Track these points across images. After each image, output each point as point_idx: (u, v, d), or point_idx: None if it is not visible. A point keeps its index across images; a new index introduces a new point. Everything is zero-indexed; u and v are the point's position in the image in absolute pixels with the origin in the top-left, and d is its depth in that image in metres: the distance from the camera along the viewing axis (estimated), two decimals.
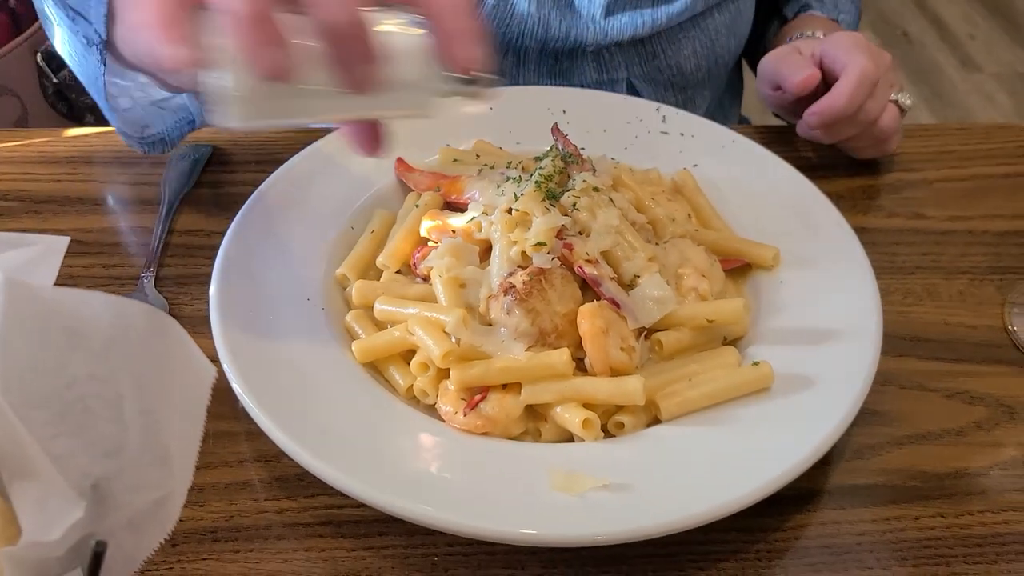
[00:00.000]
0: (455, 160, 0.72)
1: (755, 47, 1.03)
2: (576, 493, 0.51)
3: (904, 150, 0.83)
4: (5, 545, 0.36)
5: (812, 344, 0.59)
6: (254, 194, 0.68)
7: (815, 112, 0.75)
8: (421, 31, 0.46)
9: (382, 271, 0.65)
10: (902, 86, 0.79)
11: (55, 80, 1.05)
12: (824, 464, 0.58)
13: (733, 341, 0.61)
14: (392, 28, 0.46)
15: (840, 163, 0.81)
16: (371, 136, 0.52)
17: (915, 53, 2.92)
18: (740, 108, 1.06)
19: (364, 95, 0.45)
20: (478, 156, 0.72)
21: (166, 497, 0.38)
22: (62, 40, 0.67)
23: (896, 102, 0.77)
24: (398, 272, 0.65)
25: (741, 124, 1.04)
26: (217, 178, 0.78)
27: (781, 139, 0.82)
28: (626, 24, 0.84)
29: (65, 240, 0.38)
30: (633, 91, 0.88)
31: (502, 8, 0.82)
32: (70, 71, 1.07)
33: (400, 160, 0.72)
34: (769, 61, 0.80)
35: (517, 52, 0.84)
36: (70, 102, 1.06)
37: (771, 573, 0.53)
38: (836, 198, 0.76)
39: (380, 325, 0.61)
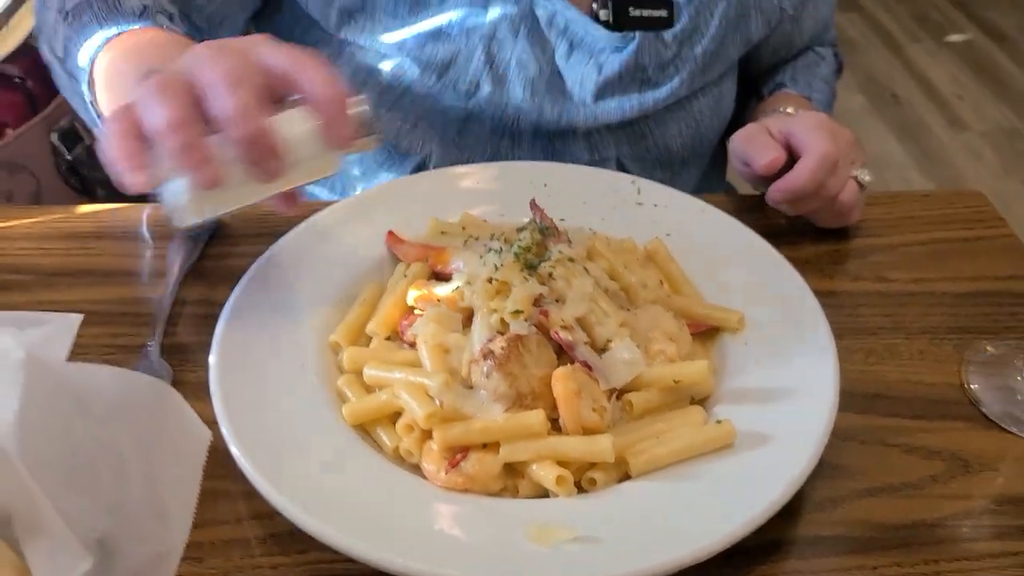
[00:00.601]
0: (442, 232, 0.77)
1: (735, 123, 1.09)
2: (549, 545, 0.55)
3: (869, 216, 0.88)
4: None
5: (773, 403, 0.64)
6: (252, 267, 0.72)
7: (779, 189, 0.80)
8: (309, 121, 0.59)
9: (371, 338, 0.69)
10: (863, 162, 0.84)
11: (68, 157, 1.11)
12: (788, 516, 0.62)
13: (700, 401, 0.65)
14: (288, 123, 0.59)
15: (808, 229, 0.85)
16: (288, 198, 0.66)
17: (904, 113, 3.00)
18: (725, 176, 1.11)
19: (277, 180, 0.59)
20: (464, 228, 0.77)
21: (166, 552, 0.42)
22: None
23: (856, 178, 0.82)
24: (387, 339, 0.69)
25: (727, 192, 1.10)
26: (221, 251, 0.82)
27: (756, 207, 0.87)
28: (615, 108, 0.89)
29: (78, 317, 0.42)
30: (623, 169, 0.94)
31: (498, 95, 0.88)
32: (83, 149, 1.14)
33: (391, 233, 0.76)
34: (738, 140, 0.85)
35: (512, 134, 0.90)
36: (83, 177, 1.12)
37: None
38: (803, 263, 0.81)
39: (370, 389, 0.65)
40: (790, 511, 0.62)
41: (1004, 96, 3.01)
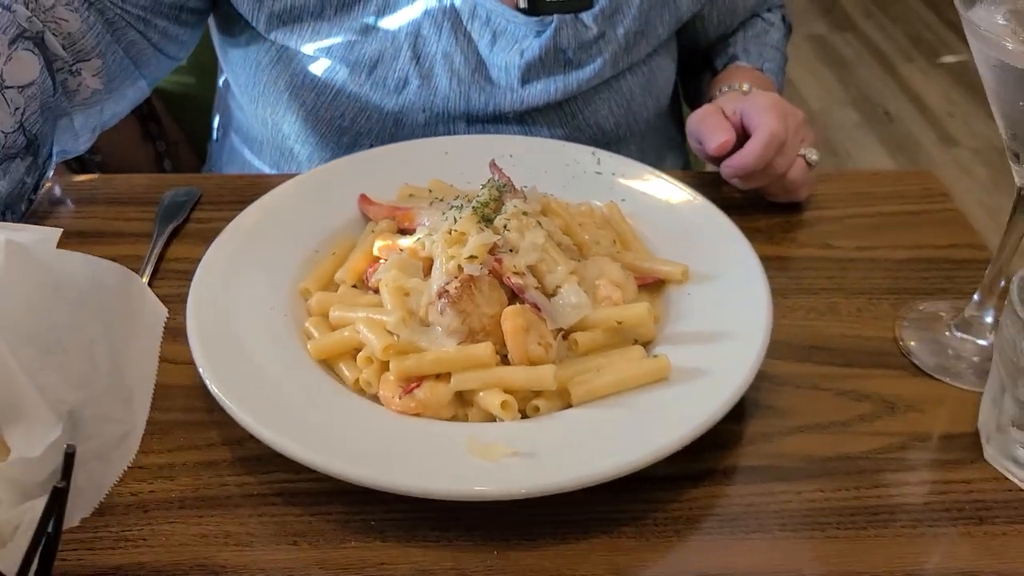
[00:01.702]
0: (411, 195, 0.82)
1: (694, 97, 1.14)
2: (491, 459, 0.60)
3: (820, 191, 0.92)
4: None
5: (709, 344, 0.68)
6: (228, 226, 0.77)
7: (729, 166, 0.85)
8: None
9: (339, 286, 0.74)
10: (812, 141, 0.89)
11: None
12: (723, 448, 0.67)
13: (644, 345, 0.70)
14: None
15: (761, 203, 0.90)
16: None
17: (895, 129, 3.05)
18: (685, 157, 1.15)
19: None
20: (431, 191, 0.82)
21: (129, 431, 0.46)
22: None
23: (803, 157, 0.87)
24: (353, 287, 0.74)
25: (686, 168, 1.14)
26: (204, 215, 0.88)
27: (714, 182, 0.91)
28: (541, 91, 0.94)
29: (58, 231, 0.47)
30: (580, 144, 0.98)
31: (425, 88, 0.93)
32: None
33: (363, 196, 0.82)
34: (694, 121, 0.89)
35: (446, 121, 0.95)
36: (81, 159, 1.17)
37: (666, 535, 0.61)
38: (755, 231, 0.86)
39: (335, 330, 0.70)
40: (724, 444, 0.67)
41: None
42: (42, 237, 0.47)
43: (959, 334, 0.75)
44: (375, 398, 0.66)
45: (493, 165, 0.80)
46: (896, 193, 0.93)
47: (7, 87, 0.77)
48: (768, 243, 0.85)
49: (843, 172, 0.97)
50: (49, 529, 0.44)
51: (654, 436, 0.61)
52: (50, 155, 0.84)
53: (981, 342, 0.74)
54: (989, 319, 0.74)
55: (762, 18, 1.09)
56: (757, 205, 0.90)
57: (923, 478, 0.65)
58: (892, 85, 3.27)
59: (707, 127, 0.87)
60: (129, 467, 0.61)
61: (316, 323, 0.71)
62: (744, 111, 0.87)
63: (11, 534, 0.45)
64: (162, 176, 1.01)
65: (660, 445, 0.60)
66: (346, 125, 0.96)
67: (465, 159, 0.86)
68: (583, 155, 0.87)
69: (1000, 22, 0.63)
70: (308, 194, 0.82)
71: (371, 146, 0.96)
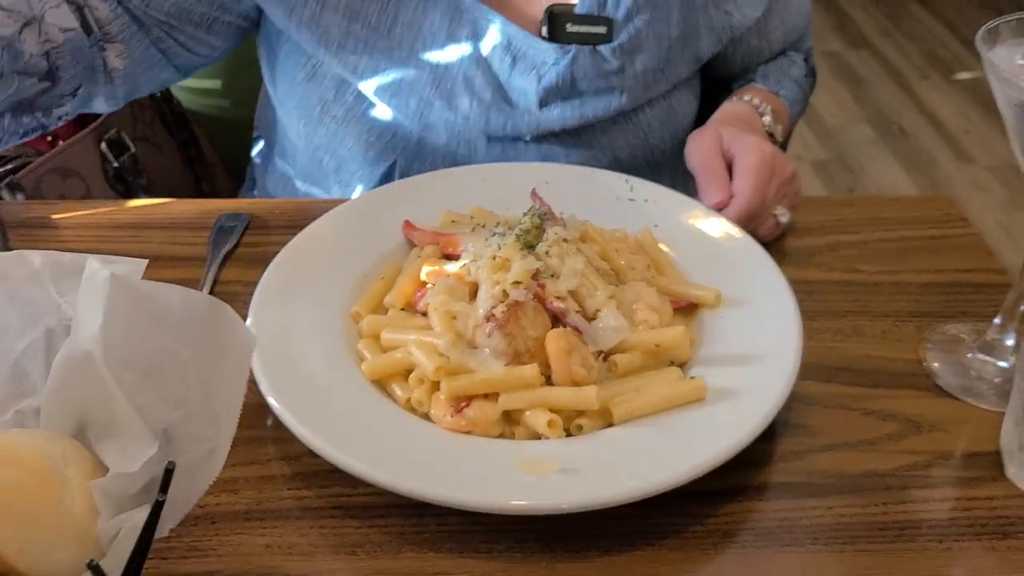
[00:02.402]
0: (453, 221, 0.86)
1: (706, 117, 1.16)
2: (541, 474, 0.63)
3: (843, 217, 0.96)
4: None
5: (742, 366, 0.72)
6: (280, 253, 0.81)
7: (711, 207, 0.88)
8: None
9: (388, 309, 0.78)
10: (793, 197, 0.92)
11: (115, 165, 1.21)
12: (755, 466, 0.70)
13: (680, 366, 0.74)
14: None
15: (787, 228, 0.94)
16: None
17: (910, 146, 3.08)
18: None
19: None
20: (472, 218, 0.86)
21: (215, 448, 0.50)
22: None
23: (775, 216, 0.90)
24: (402, 310, 0.78)
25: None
26: (255, 240, 0.92)
27: None
28: (556, 116, 0.97)
29: (144, 261, 0.51)
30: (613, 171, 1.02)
31: (447, 109, 0.97)
32: (129, 157, 1.24)
33: (407, 222, 0.86)
34: (692, 155, 0.91)
35: (467, 142, 0.99)
36: (127, 184, 1.22)
37: (704, 547, 0.64)
38: (781, 254, 0.90)
39: (385, 351, 0.74)
40: (757, 462, 0.70)
41: None
42: (133, 268, 0.51)
43: (981, 356, 0.78)
44: (426, 416, 0.70)
45: (535, 194, 0.83)
46: (917, 218, 0.96)
47: (47, 22, 0.86)
48: (794, 267, 0.89)
49: (865, 198, 1.00)
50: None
51: (693, 454, 0.64)
52: (73, 95, 0.93)
53: (1002, 364, 0.78)
54: (1010, 342, 0.77)
55: (787, 56, 1.13)
56: (785, 230, 0.94)
57: (948, 495, 0.68)
58: (907, 102, 3.30)
59: (705, 176, 0.89)
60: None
61: (368, 345, 0.75)
62: (732, 161, 0.89)
63: (109, 543, 0.49)
64: (211, 201, 1.05)
65: (699, 462, 0.63)
66: (372, 140, 1.01)
67: (503, 186, 0.90)
68: (616, 182, 0.91)
69: (1020, 62, 0.66)
70: (354, 221, 0.86)
71: (396, 161, 1.00)
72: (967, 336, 0.81)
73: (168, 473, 0.45)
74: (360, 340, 0.76)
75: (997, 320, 0.78)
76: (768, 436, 0.71)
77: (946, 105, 3.27)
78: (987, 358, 0.78)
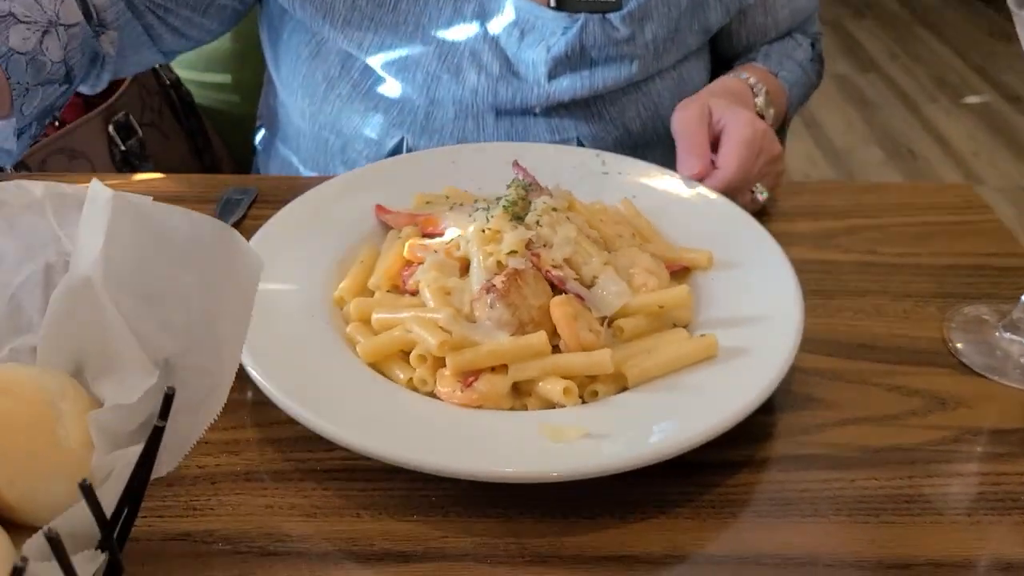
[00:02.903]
0: (428, 203, 0.83)
1: None
2: (564, 441, 0.61)
3: (863, 202, 0.94)
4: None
5: (747, 324, 0.70)
6: (257, 233, 0.78)
7: (688, 177, 0.87)
8: None
9: (374, 292, 0.75)
10: (775, 179, 0.91)
11: (123, 148, 1.20)
12: (775, 437, 0.68)
13: (681, 327, 0.72)
14: None
15: (802, 210, 0.92)
16: None
17: (920, 167, 3.07)
18: None
19: None
20: (448, 198, 0.84)
21: (216, 384, 0.48)
22: None
23: (753, 192, 0.89)
24: (388, 292, 0.75)
25: None
26: (263, 213, 0.90)
27: None
28: (567, 87, 0.96)
29: (149, 198, 0.49)
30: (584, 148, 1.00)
31: (454, 83, 0.96)
32: (136, 141, 1.23)
33: (379, 205, 0.83)
34: (678, 122, 0.89)
35: (475, 117, 0.97)
36: (134, 168, 1.21)
37: (722, 516, 0.62)
38: (800, 236, 0.88)
39: (377, 334, 0.70)
40: (777, 434, 0.68)
41: (1020, 155, 3.07)
42: (145, 200, 0.49)
43: (1007, 335, 0.76)
44: (430, 396, 0.67)
45: (517, 165, 0.82)
46: (938, 204, 0.94)
47: (60, 24, 0.85)
48: (812, 248, 0.87)
49: (884, 185, 0.98)
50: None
51: (720, 406, 0.62)
52: (81, 82, 0.93)
53: None
54: None
55: (793, 38, 1.12)
56: (800, 212, 0.92)
57: (976, 469, 0.66)
58: (916, 125, 3.30)
59: (685, 144, 0.88)
60: (198, 440, 0.63)
61: (358, 328, 0.71)
62: (722, 132, 0.88)
63: (103, 480, 0.46)
64: (219, 176, 1.04)
65: (731, 412, 0.61)
66: (379, 117, 0.99)
67: (473, 167, 0.88)
68: (588, 158, 0.90)
69: None
70: (322, 209, 0.83)
71: (403, 138, 0.99)
72: (990, 316, 0.79)
73: (168, 399, 0.43)
74: (349, 325, 0.72)
75: (1023, 299, 0.76)
76: (789, 408, 0.69)
77: (955, 128, 3.27)
78: (1014, 337, 0.76)
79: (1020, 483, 0.65)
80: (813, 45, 1.13)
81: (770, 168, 0.90)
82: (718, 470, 0.64)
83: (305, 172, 1.08)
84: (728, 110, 0.89)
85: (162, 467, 0.48)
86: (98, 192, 0.45)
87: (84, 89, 0.99)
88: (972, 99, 3.45)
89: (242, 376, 0.64)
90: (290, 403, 0.63)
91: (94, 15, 0.91)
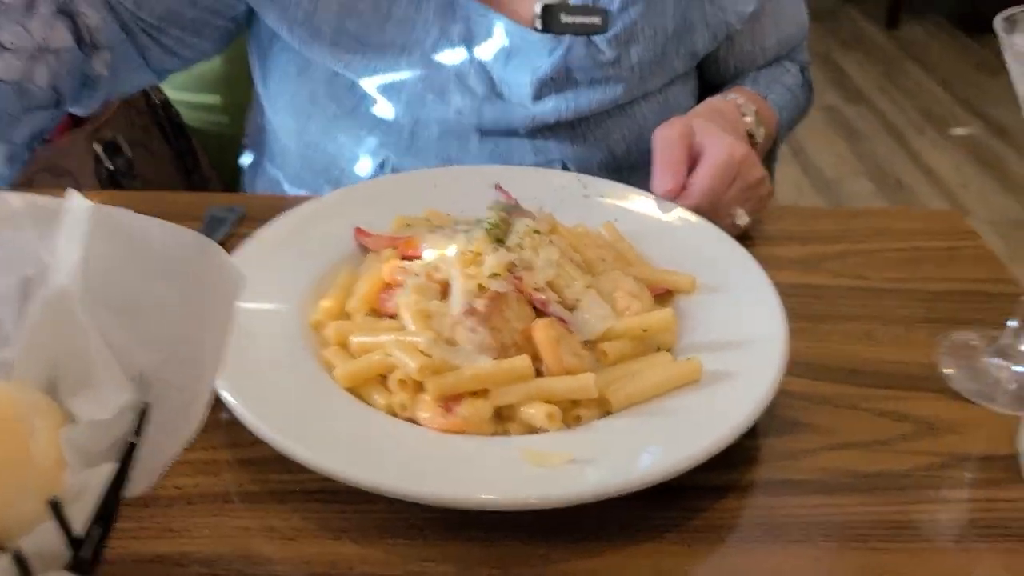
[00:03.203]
0: (408, 225, 0.82)
1: None
2: (548, 466, 0.60)
3: (851, 227, 0.94)
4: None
5: (731, 348, 0.69)
6: (233, 254, 0.75)
7: (656, 192, 0.86)
8: None
9: (351, 316, 0.73)
10: (758, 203, 0.89)
11: (110, 167, 1.19)
12: (761, 462, 0.67)
13: (665, 351, 0.71)
14: None
15: (791, 234, 0.92)
16: None
17: (908, 198, 3.08)
18: None
19: None
20: (428, 220, 0.83)
21: (194, 400, 0.47)
22: None
23: (732, 216, 0.87)
24: (367, 315, 0.73)
25: None
26: (247, 232, 0.89)
27: None
28: (551, 108, 0.96)
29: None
30: (567, 171, 0.99)
31: (439, 103, 0.96)
32: (124, 160, 1.22)
33: (359, 228, 0.82)
34: (658, 139, 0.88)
35: (460, 137, 0.97)
36: (121, 187, 1.20)
37: (710, 542, 0.61)
38: (788, 261, 0.88)
39: (356, 358, 0.69)
40: (765, 459, 0.67)
41: (1009, 188, 3.09)
42: (126, 212, 0.49)
43: (996, 361, 0.76)
44: (410, 421, 0.65)
45: (499, 188, 0.82)
46: (927, 230, 0.94)
47: (48, 50, 0.85)
48: (800, 272, 0.87)
49: (873, 210, 0.98)
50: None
51: (705, 431, 0.61)
52: (73, 104, 0.93)
53: (1018, 369, 0.75)
54: None
55: (781, 64, 1.12)
56: (789, 237, 0.92)
57: (967, 496, 0.65)
58: (904, 156, 3.32)
59: (660, 161, 0.87)
60: (174, 461, 0.61)
61: (336, 352, 0.70)
62: (700, 154, 0.87)
63: (75, 498, 0.45)
64: (206, 194, 1.03)
65: (715, 438, 0.60)
66: (364, 135, 0.99)
67: (453, 189, 0.87)
68: (569, 180, 0.90)
69: None
70: (300, 230, 0.82)
71: (387, 157, 0.98)
72: (980, 342, 0.78)
73: (142, 414, 0.42)
74: (326, 348, 0.71)
75: (1013, 323, 0.75)
76: (777, 433, 0.69)
77: (943, 160, 3.29)
78: (1003, 362, 0.75)
79: (1011, 510, 0.64)
80: (802, 71, 1.13)
81: (750, 193, 0.89)
82: (705, 494, 0.63)
83: (291, 191, 1.08)
84: (710, 133, 0.88)
85: (136, 486, 0.47)
86: (76, 204, 0.44)
87: (76, 110, 0.98)
88: (959, 131, 3.47)
89: (219, 396, 0.64)
90: (264, 427, 0.61)
91: (87, 37, 0.90)
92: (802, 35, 1.12)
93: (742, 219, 0.88)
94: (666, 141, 0.88)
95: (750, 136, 0.97)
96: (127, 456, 0.42)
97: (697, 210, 0.85)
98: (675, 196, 0.85)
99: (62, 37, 0.86)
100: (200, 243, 0.44)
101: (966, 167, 3.23)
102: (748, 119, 0.98)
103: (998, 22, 0.65)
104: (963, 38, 4.09)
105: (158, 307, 0.45)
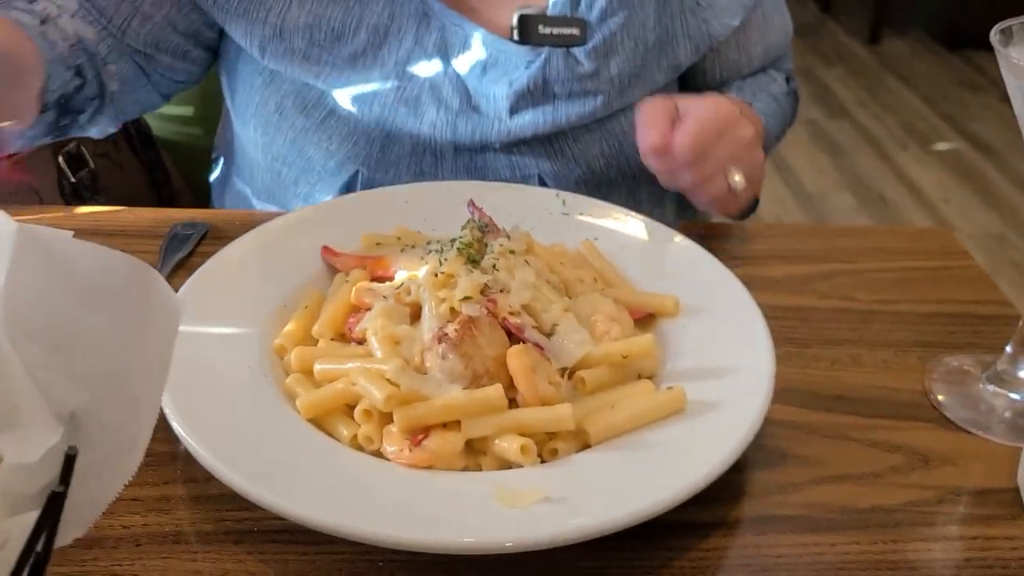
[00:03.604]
0: (378, 244, 0.79)
1: None
2: (520, 506, 0.56)
3: (838, 246, 0.91)
4: None
5: (716, 376, 0.66)
6: (188, 280, 0.73)
7: (644, 148, 0.81)
8: None
9: (318, 340, 0.70)
10: (754, 166, 0.84)
11: (72, 180, 1.15)
12: (746, 497, 0.63)
13: (646, 379, 0.67)
14: None
15: (778, 254, 0.89)
16: None
17: (891, 214, 3.08)
18: (677, 211, 1.09)
19: None
20: (399, 239, 0.79)
21: (133, 442, 0.43)
22: None
23: (727, 175, 0.82)
24: (333, 340, 0.70)
25: (692, 220, 1.10)
26: (212, 249, 0.85)
27: (715, 235, 0.90)
28: (529, 122, 0.93)
29: (69, 232, 0.45)
30: (545, 188, 0.95)
31: (412, 116, 0.92)
32: (87, 173, 1.18)
33: (326, 247, 0.78)
34: (639, 110, 0.84)
35: (433, 152, 0.94)
36: (84, 201, 1.15)
37: None
38: (773, 281, 0.84)
39: (319, 386, 0.65)
40: (752, 494, 0.64)
41: (990, 203, 3.08)
42: (55, 234, 0.45)
43: (991, 387, 0.73)
44: (377, 455, 0.62)
45: (473, 205, 0.78)
46: (916, 249, 0.91)
47: (61, 21, 0.89)
48: (787, 294, 0.83)
49: (861, 228, 0.95)
50: (40, 544, 0.40)
51: (687, 468, 0.58)
52: (96, 99, 0.93)
53: (1014, 396, 0.72)
54: (1022, 373, 0.72)
55: (767, 73, 1.09)
56: (773, 256, 0.89)
57: (964, 533, 0.62)
58: (887, 171, 3.31)
59: (645, 119, 0.83)
60: (121, 498, 0.57)
61: (298, 381, 0.66)
62: (686, 114, 0.82)
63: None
64: (169, 210, 0.99)
65: (696, 477, 0.57)
66: (333, 149, 0.95)
67: (427, 206, 0.84)
68: (548, 197, 0.86)
69: None
70: (266, 249, 0.78)
71: (359, 171, 0.95)
72: (973, 368, 0.75)
73: (69, 459, 0.38)
74: (289, 376, 0.67)
75: (1008, 349, 0.72)
76: (764, 466, 0.65)
77: (925, 175, 3.28)
78: (998, 389, 0.72)
79: (1010, 548, 0.60)
80: (788, 80, 1.10)
81: (741, 152, 0.83)
82: (689, 532, 0.60)
83: (259, 206, 1.04)
84: (693, 99, 0.84)
85: (68, 534, 0.43)
86: (1, 223, 0.40)
87: (94, 132, 0.99)
88: (942, 146, 3.47)
89: (171, 427, 0.60)
90: (217, 462, 0.57)
91: (92, 49, 0.91)
92: (786, 43, 1.09)
93: (738, 179, 0.83)
94: (649, 104, 0.84)
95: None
96: (53, 506, 0.38)
97: (686, 160, 0.79)
98: (661, 151, 0.81)
99: (74, 27, 0.89)
100: (136, 269, 0.40)
101: (949, 182, 3.23)
102: None
103: (994, 35, 0.62)
104: (945, 54, 4.10)
105: (89, 339, 0.41)
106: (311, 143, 0.95)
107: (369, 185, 0.95)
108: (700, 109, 0.83)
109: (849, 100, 3.83)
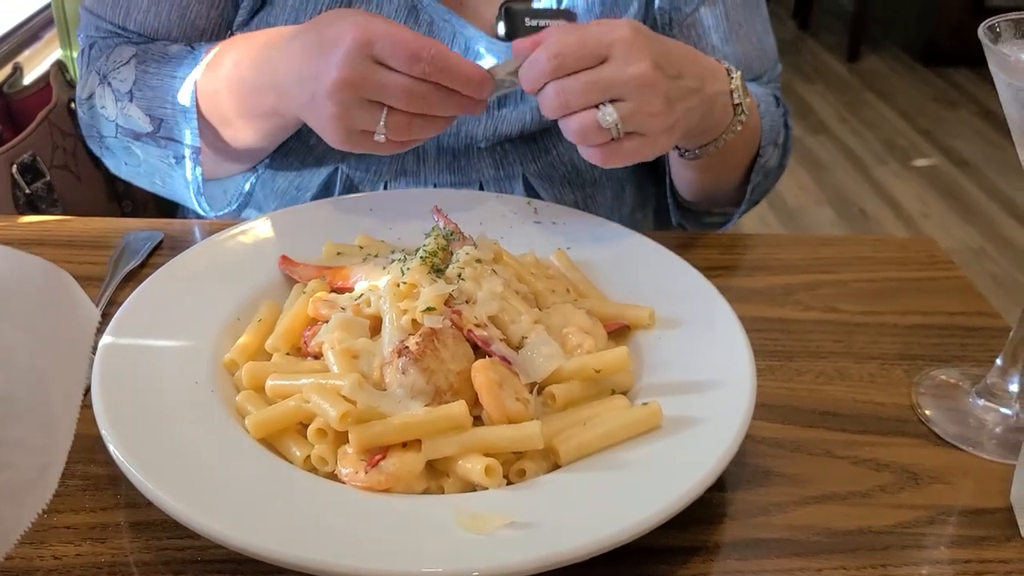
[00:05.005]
0: (339, 253, 0.75)
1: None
2: (483, 532, 0.52)
3: (822, 255, 0.88)
4: None
5: (694, 390, 0.62)
6: (136, 290, 0.69)
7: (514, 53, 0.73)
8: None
9: (272, 355, 0.66)
10: (640, 121, 0.70)
11: (27, 191, 1.10)
12: (726, 519, 0.59)
13: (621, 394, 0.64)
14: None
15: (761, 265, 0.86)
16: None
17: (871, 228, 3.07)
18: (662, 217, 1.06)
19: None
20: (362, 248, 0.75)
21: (47, 465, 0.39)
22: (146, 173, 0.90)
23: (596, 108, 0.70)
24: (288, 354, 0.66)
25: (659, 231, 1.05)
26: (163, 260, 0.81)
27: (696, 244, 0.87)
28: (515, 119, 0.89)
29: None
30: (529, 187, 0.93)
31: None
32: (43, 184, 1.13)
33: (284, 256, 0.74)
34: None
35: (416, 150, 0.90)
36: (39, 211, 1.11)
37: None
38: (755, 292, 0.81)
39: (271, 404, 0.61)
40: (734, 515, 0.60)
41: (969, 218, 3.08)
42: None
43: (981, 401, 0.69)
44: (332, 477, 0.58)
45: (438, 211, 0.74)
46: (901, 259, 0.88)
47: None
48: (770, 305, 0.80)
49: (844, 237, 0.92)
50: None
51: (660, 492, 0.54)
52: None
53: (1005, 411, 0.69)
54: (1014, 387, 0.69)
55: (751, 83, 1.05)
56: (755, 266, 0.86)
57: (956, 556, 0.58)
58: (866, 186, 3.31)
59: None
60: (53, 526, 0.53)
61: (249, 398, 0.62)
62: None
63: None
64: (121, 220, 0.94)
65: (670, 501, 0.53)
66: (312, 143, 0.92)
67: (392, 215, 0.80)
68: (519, 205, 0.83)
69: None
70: (221, 259, 0.74)
71: (338, 168, 0.91)
72: (962, 381, 0.72)
73: None
74: (239, 393, 0.63)
75: (998, 362, 0.69)
76: (747, 485, 0.62)
77: (905, 190, 3.29)
78: (988, 404, 0.69)
79: (1004, 572, 0.57)
80: (776, 99, 1.07)
81: (625, 90, 0.69)
82: (667, 557, 0.56)
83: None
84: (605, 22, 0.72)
85: None
86: None
87: None
88: (921, 162, 3.48)
89: (108, 449, 0.56)
90: (156, 487, 0.53)
91: None
92: (771, 57, 1.06)
93: (608, 115, 0.69)
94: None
95: (734, 106, 0.82)
96: None
97: (547, 80, 0.69)
98: (526, 49, 0.71)
99: None
100: (50, 274, 0.36)
101: (928, 197, 3.23)
102: (735, 79, 0.83)
103: (982, 32, 0.60)
104: (922, 71, 4.12)
105: (1, 352, 0.37)
106: (290, 139, 0.91)
107: (349, 184, 0.91)
108: (619, 24, 0.71)
109: (828, 116, 3.84)
